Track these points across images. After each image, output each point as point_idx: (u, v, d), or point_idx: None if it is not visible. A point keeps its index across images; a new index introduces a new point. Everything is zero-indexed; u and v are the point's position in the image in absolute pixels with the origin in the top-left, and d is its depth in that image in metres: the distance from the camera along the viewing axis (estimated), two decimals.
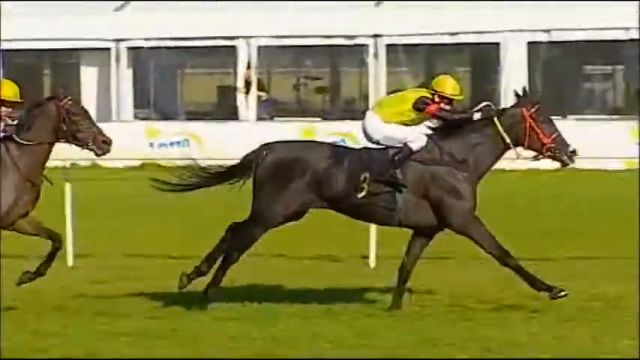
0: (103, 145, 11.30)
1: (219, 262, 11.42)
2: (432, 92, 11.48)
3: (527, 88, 11.67)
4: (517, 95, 11.54)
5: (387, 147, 11.39)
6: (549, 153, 11.33)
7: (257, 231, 11.40)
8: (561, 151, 11.32)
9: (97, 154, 11.39)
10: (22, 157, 11.14)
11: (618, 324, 9.82)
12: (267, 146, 11.57)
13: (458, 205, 11.24)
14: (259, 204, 11.35)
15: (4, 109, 11.31)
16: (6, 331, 10.13)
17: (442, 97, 11.43)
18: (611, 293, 11.59)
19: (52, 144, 11.28)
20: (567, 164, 11.42)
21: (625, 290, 11.81)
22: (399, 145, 11.30)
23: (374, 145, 11.58)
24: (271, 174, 11.33)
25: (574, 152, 11.34)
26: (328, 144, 12.16)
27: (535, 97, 11.77)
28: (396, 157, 11.24)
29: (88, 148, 11.31)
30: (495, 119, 11.37)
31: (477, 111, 11.49)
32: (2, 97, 11.30)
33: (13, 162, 11.11)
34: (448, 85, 11.53)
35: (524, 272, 11.17)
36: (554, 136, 11.30)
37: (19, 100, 11.45)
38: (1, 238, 11.38)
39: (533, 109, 11.35)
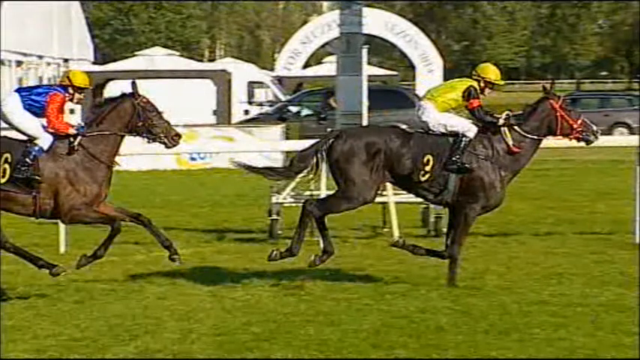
0: (174, 138, 11.83)
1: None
2: (477, 79, 12.02)
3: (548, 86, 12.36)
4: (544, 90, 12.27)
5: (444, 134, 11.89)
6: (578, 135, 12.18)
7: (351, 206, 11.88)
8: (588, 132, 12.20)
9: (167, 147, 11.92)
10: (96, 146, 11.53)
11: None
12: (334, 133, 12.15)
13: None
14: (349, 185, 11.70)
15: (77, 95, 11.79)
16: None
17: (487, 82, 12.03)
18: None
19: (122, 136, 11.72)
20: (592, 142, 12.35)
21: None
22: (452, 131, 11.84)
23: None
24: (348, 157, 11.70)
25: (597, 132, 12.34)
26: (393, 127, 12.53)
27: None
28: (460, 145, 11.78)
29: (160, 142, 11.83)
30: (516, 127, 11.97)
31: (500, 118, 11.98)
32: (76, 85, 11.74)
33: (90, 153, 11.49)
34: (491, 72, 12.11)
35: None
36: (579, 121, 12.18)
37: (89, 87, 12.02)
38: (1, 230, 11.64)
39: (560, 101, 12.19)
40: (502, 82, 12.24)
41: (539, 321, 9.86)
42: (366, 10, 18.27)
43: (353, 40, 16.34)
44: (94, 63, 58.13)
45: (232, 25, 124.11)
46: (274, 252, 11.85)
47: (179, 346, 9.24)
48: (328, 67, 38.38)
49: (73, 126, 11.63)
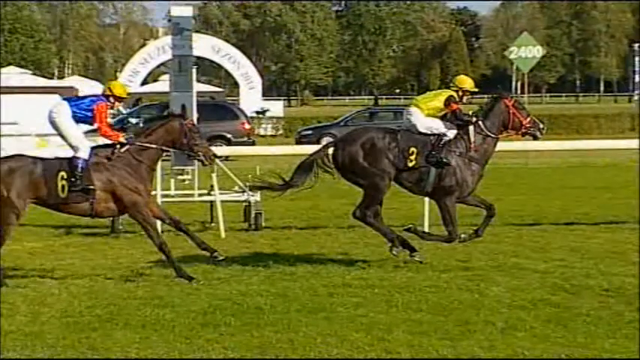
0: (211, 157, 11.83)
1: None
2: (456, 89, 12.36)
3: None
4: (498, 91, 12.82)
5: (427, 134, 12.17)
6: (527, 130, 12.39)
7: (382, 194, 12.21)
8: (535, 129, 12.37)
9: (204, 164, 12.07)
10: (141, 154, 11.38)
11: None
12: (329, 145, 12.54)
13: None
14: (370, 182, 12.00)
15: (117, 103, 11.85)
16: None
17: (464, 91, 12.35)
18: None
19: (164, 150, 11.71)
20: (539, 138, 12.62)
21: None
22: (435, 133, 12.11)
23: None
24: (358, 158, 11.99)
25: (543, 129, 12.48)
26: (382, 128, 12.85)
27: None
28: (440, 143, 12.05)
29: (197, 159, 11.89)
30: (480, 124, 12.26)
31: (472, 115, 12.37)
32: (116, 94, 11.69)
33: (135, 158, 11.34)
34: (466, 82, 12.46)
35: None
36: (529, 118, 12.35)
37: (127, 97, 12.19)
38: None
39: (512, 101, 12.49)
40: (475, 89, 12.56)
41: (343, 301, 9.91)
42: (195, 36, 18.19)
43: (184, 61, 16.24)
44: None
45: (79, 48, 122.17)
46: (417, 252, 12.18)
47: (31, 327, 9.04)
48: (163, 85, 38.01)
49: (123, 135, 11.54)
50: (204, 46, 51.34)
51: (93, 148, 11.51)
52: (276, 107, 58.90)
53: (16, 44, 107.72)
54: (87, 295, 10.45)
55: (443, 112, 12.27)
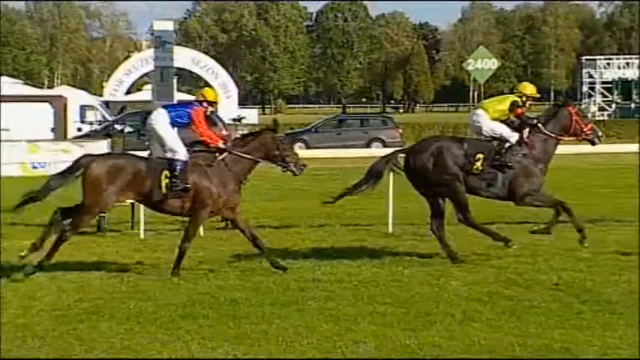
0: (302, 167, 11.68)
1: None
2: (519, 94, 12.40)
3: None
4: (563, 99, 12.74)
5: (492, 139, 12.15)
6: (586, 137, 12.45)
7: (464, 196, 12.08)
8: (594, 136, 12.46)
9: (295, 174, 11.75)
10: (235, 164, 11.41)
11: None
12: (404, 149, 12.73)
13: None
14: (447, 188, 11.96)
15: (210, 108, 11.66)
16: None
17: (527, 96, 12.39)
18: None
19: (257, 161, 11.60)
20: (597, 144, 12.63)
21: None
22: (499, 136, 12.11)
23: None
24: (429, 166, 11.99)
25: (601, 136, 12.60)
26: (449, 136, 13.11)
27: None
28: (503, 148, 12.04)
29: (289, 170, 11.69)
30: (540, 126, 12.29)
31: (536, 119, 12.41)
32: (209, 100, 11.65)
33: (227, 167, 11.37)
34: (528, 88, 12.53)
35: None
36: (589, 125, 12.49)
37: (218, 102, 12.17)
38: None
39: (576, 108, 12.66)
40: (537, 95, 12.61)
41: (313, 295, 9.90)
42: (176, 48, 18.14)
43: (166, 72, 16.22)
44: None
45: (68, 59, 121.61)
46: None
47: (22, 320, 8.98)
48: (146, 94, 37.91)
49: (223, 141, 11.51)
50: (185, 58, 51.15)
51: (194, 151, 11.49)
52: (252, 115, 58.80)
53: (8, 56, 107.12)
54: (74, 290, 10.40)
55: (507, 116, 12.29)
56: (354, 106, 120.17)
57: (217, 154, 11.44)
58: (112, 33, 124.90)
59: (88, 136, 32.88)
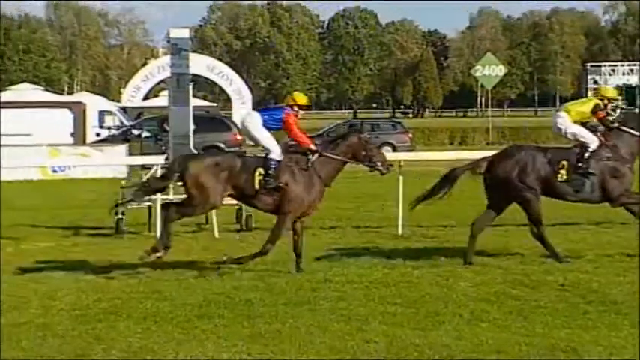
0: (389, 167, 11.75)
1: None
2: (601, 97, 12.31)
3: None
4: None
5: (573, 146, 12.13)
6: None
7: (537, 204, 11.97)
8: None
9: (382, 174, 11.76)
10: (323, 167, 11.45)
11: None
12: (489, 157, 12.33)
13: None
14: (520, 197, 11.86)
15: (300, 112, 11.68)
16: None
17: (608, 99, 12.30)
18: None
19: (346, 162, 11.65)
20: None
21: None
22: (579, 140, 12.04)
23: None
24: (512, 173, 11.84)
25: None
26: (533, 146, 12.91)
27: None
28: (585, 155, 11.92)
29: (376, 169, 11.71)
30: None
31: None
32: (300, 104, 11.69)
33: (315, 170, 11.40)
34: (610, 92, 12.53)
35: None
36: None
37: (310, 105, 12.16)
38: None
39: None
40: (618, 98, 12.60)
41: (325, 295, 9.89)
42: (192, 55, 18.13)
43: (182, 78, 16.20)
44: None
45: (87, 66, 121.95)
46: None
47: (42, 319, 8.99)
48: (163, 99, 37.94)
49: (314, 143, 11.59)
50: (200, 64, 51.10)
51: (288, 152, 11.57)
52: None
53: (29, 63, 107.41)
54: (93, 290, 10.41)
55: (589, 118, 12.24)
56: (364, 112, 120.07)
57: (310, 157, 11.48)
58: (129, 40, 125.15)
59: (107, 141, 32.93)
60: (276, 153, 11.41)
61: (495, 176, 12.00)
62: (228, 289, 10.25)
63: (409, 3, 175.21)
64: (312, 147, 11.53)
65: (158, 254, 11.10)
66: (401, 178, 15.03)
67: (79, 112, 34.85)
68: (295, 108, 11.68)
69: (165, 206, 11.64)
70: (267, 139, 11.53)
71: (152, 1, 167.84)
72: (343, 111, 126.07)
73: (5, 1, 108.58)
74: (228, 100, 59.55)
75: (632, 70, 73.15)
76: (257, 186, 11.31)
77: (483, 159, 12.44)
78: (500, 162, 12.10)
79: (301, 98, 11.84)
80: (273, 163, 11.34)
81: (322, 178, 11.47)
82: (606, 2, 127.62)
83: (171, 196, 15.85)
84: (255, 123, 11.58)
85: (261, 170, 11.31)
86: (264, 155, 11.47)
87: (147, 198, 15.43)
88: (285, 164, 11.39)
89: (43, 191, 23.75)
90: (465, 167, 12.35)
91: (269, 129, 11.59)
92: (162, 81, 52.11)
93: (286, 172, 11.36)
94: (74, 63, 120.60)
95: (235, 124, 37.56)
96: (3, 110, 34.12)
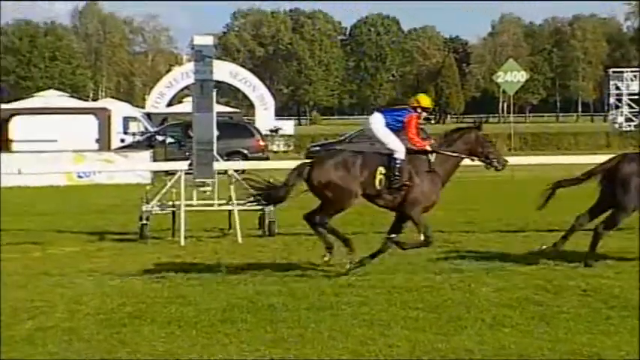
0: (504, 163, 11.81)
1: None
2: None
3: None
4: None
5: None
6: None
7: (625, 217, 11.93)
8: None
9: (497, 170, 11.85)
10: (442, 165, 11.53)
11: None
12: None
13: None
14: (626, 199, 11.75)
15: (424, 114, 11.75)
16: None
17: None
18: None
19: (462, 159, 11.69)
20: None
21: None
22: None
23: None
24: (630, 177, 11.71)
25: None
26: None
27: None
28: None
29: (492, 166, 11.77)
30: None
31: None
32: (424, 106, 11.75)
33: (434, 169, 11.47)
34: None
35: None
36: None
37: (433, 107, 11.68)
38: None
39: None
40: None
41: (348, 300, 9.88)
42: (215, 62, 18.21)
43: (206, 85, 16.22)
44: (1, 102, 56.64)
45: (112, 73, 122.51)
46: None
47: (68, 324, 9.03)
48: (187, 106, 38.05)
49: (430, 144, 11.64)
50: (224, 71, 51.40)
51: (409, 152, 11.59)
52: (288, 126, 58.98)
53: (55, 70, 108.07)
54: (118, 294, 10.44)
55: None
56: None
57: (430, 156, 11.55)
58: (154, 47, 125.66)
59: (131, 147, 33.06)
60: (401, 152, 11.47)
61: (617, 177, 11.85)
62: (252, 294, 10.26)
63: (431, 8, 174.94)
64: (428, 147, 11.61)
65: (325, 258, 11.44)
66: None
67: (103, 118, 34.99)
68: (419, 110, 11.76)
69: (310, 218, 11.57)
70: (391, 138, 11.59)
71: (176, 2, 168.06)
72: (366, 117, 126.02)
73: (5, 1, 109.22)
74: (251, 106, 59.68)
75: None
76: (378, 184, 11.40)
77: (594, 171, 12.28)
78: (628, 163, 11.93)
79: (426, 100, 11.92)
80: (398, 162, 11.42)
81: (441, 175, 11.56)
82: (627, 8, 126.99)
83: (194, 202, 15.92)
84: (377, 123, 11.66)
85: (381, 169, 11.40)
86: (385, 153, 11.52)
87: (170, 203, 15.51)
88: (407, 163, 11.46)
89: (68, 197, 23.86)
90: (603, 167, 12.17)
91: (391, 129, 11.65)
92: (186, 87, 52.39)
93: (410, 172, 11.45)
94: (99, 70, 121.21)
95: (258, 130, 37.70)
96: (30, 117, 34.35)
